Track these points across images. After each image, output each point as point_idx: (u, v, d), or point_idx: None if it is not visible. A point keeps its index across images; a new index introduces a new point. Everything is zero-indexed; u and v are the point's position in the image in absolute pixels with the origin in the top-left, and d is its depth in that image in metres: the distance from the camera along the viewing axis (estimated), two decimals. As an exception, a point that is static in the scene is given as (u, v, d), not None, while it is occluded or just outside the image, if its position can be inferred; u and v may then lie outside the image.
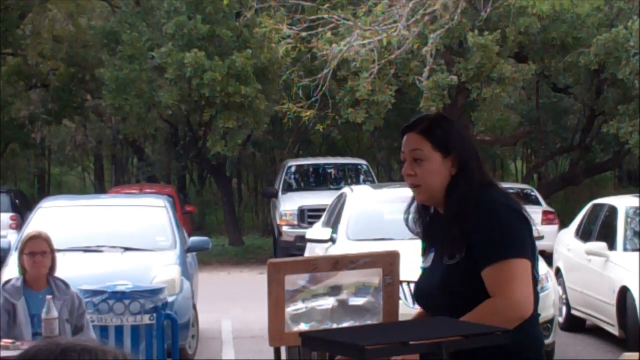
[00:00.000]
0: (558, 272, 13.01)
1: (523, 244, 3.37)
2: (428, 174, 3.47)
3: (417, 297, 3.58)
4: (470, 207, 3.39)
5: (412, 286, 10.01)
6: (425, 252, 3.60)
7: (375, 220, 11.18)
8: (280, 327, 3.35)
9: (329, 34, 18.25)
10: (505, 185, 25.00)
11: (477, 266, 3.35)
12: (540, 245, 14.27)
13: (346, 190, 12.56)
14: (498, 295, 3.30)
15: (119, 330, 8.17)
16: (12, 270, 9.11)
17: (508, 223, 3.37)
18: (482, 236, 3.35)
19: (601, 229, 12.10)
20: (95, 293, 8.24)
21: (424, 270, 3.56)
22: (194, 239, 11.92)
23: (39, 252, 7.05)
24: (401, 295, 9.79)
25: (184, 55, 22.01)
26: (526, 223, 3.43)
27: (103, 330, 8.09)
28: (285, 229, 20.93)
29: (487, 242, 3.34)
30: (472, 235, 3.36)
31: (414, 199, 3.61)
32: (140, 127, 24.96)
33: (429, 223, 3.58)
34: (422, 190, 3.50)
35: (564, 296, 12.67)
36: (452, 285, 3.37)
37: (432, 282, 3.44)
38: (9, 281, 7.21)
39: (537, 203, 21.09)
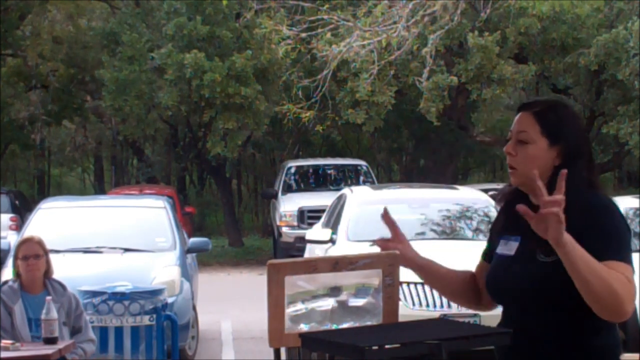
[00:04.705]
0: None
1: (631, 256, 3.21)
2: (528, 158, 3.24)
3: (493, 285, 3.35)
4: (577, 208, 3.15)
5: (412, 287, 9.97)
6: (500, 236, 3.37)
7: (374, 221, 11.10)
8: (280, 327, 3.34)
9: (328, 35, 18.25)
10: (504, 185, 25.01)
11: None
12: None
13: (346, 191, 12.55)
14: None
15: (119, 331, 8.17)
16: (11, 272, 9.12)
17: (624, 232, 3.24)
18: (597, 236, 3.15)
19: (601, 230, 12.07)
20: (95, 294, 8.24)
21: (503, 257, 3.31)
22: (193, 239, 11.92)
23: (32, 255, 7.05)
24: (401, 296, 9.80)
25: (184, 56, 22.02)
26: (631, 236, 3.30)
27: (103, 331, 8.09)
28: (284, 229, 20.93)
29: (603, 242, 3.15)
30: (582, 234, 3.10)
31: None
32: (140, 128, 24.97)
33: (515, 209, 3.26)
34: (517, 174, 3.27)
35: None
36: (551, 284, 3.16)
37: (519, 276, 3.22)
38: (5, 282, 7.22)
39: (537, 204, 21.07)
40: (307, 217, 20.30)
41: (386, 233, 3.60)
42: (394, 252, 3.55)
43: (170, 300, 9.37)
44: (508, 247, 3.31)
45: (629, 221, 11.56)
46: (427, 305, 9.36)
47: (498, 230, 3.41)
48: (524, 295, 3.22)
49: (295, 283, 3.35)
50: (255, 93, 22.27)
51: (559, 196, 2.95)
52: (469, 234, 11.06)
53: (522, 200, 3.27)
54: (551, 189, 3.07)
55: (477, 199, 11.74)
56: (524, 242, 3.27)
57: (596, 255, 3.08)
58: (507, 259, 3.30)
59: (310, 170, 23.80)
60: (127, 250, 10.73)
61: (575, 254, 3.00)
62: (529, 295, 3.20)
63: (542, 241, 3.10)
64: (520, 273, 3.23)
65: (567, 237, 2.99)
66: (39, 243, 7.16)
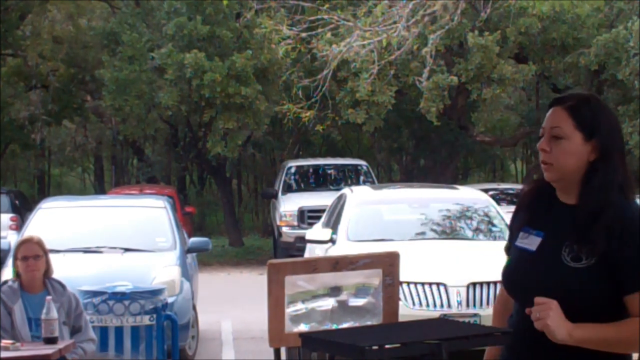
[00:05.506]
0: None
1: None
2: (563, 153, 3.13)
3: (510, 280, 3.25)
4: (609, 219, 3.08)
5: (412, 287, 9.95)
6: (520, 228, 3.26)
7: (375, 221, 11.18)
8: (280, 327, 3.34)
9: (328, 35, 18.25)
10: (505, 185, 25.02)
11: (611, 277, 3.06)
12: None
13: (346, 190, 12.55)
14: None
15: (119, 330, 8.17)
16: (11, 272, 9.12)
17: None
18: (632, 265, 3.05)
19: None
20: (95, 294, 8.24)
21: (524, 251, 3.20)
22: (193, 239, 11.92)
23: (31, 255, 7.06)
24: (401, 296, 9.80)
25: (184, 55, 22.02)
26: None
27: (103, 331, 8.09)
28: (285, 229, 20.93)
29: (636, 272, 3.04)
30: (615, 255, 3.06)
31: (540, 177, 3.28)
32: (140, 128, 24.96)
33: (543, 205, 3.24)
34: (552, 169, 3.15)
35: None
36: (575, 291, 3.07)
37: (542, 278, 3.12)
38: (5, 282, 7.22)
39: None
40: (307, 217, 20.30)
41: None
42: (394, 251, 3.55)
43: (170, 300, 9.37)
44: (529, 241, 3.21)
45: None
46: (427, 305, 9.36)
47: (519, 225, 3.29)
48: (540, 294, 3.11)
49: (295, 283, 3.35)
50: (255, 93, 22.26)
51: (550, 307, 3.00)
52: (469, 233, 11.06)
53: (547, 196, 3.23)
54: (586, 186, 3.10)
55: (477, 199, 11.74)
56: (547, 239, 3.18)
57: (628, 283, 3.05)
58: (529, 254, 3.19)
59: (310, 170, 23.80)
60: (127, 250, 10.73)
61: (579, 340, 3.02)
62: (547, 296, 3.09)
63: (575, 246, 3.07)
64: (543, 274, 3.11)
65: (565, 333, 3.01)
66: (39, 243, 7.16)
